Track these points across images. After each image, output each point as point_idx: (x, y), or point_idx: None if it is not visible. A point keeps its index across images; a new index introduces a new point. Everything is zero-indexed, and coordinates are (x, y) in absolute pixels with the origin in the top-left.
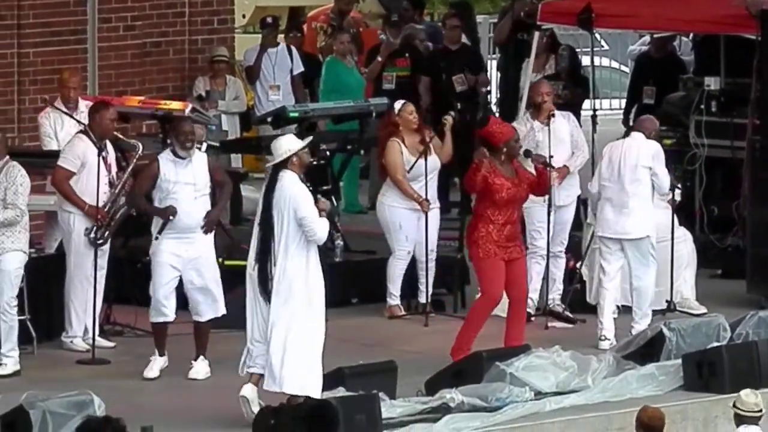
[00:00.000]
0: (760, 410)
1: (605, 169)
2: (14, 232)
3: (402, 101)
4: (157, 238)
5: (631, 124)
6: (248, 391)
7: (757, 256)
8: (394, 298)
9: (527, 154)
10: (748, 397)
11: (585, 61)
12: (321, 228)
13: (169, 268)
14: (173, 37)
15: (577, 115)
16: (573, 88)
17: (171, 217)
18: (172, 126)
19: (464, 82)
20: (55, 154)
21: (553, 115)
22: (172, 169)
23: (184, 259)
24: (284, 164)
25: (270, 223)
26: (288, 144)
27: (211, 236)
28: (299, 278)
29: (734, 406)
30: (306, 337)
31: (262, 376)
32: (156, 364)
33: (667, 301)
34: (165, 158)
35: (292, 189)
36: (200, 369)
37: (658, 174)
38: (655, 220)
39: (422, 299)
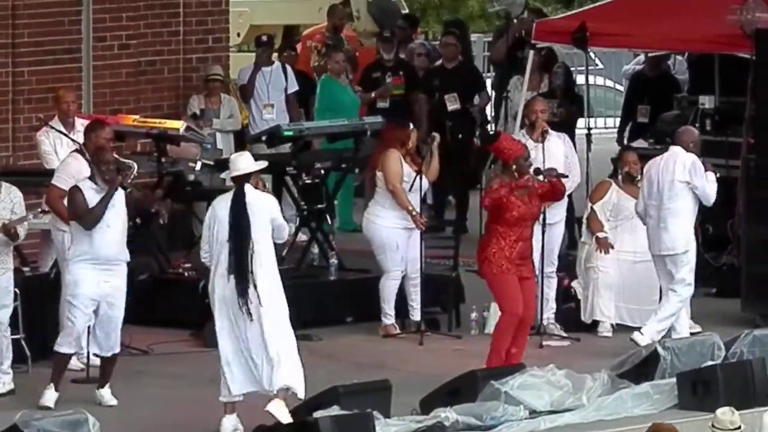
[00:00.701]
0: (738, 428)
1: (646, 188)
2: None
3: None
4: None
5: (625, 142)
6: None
7: (752, 275)
8: (389, 317)
9: (537, 172)
10: (724, 414)
11: (580, 79)
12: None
13: (90, 300)
14: (168, 55)
15: (572, 133)
16: (568, 106)
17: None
18: (93, 155)
19: (456, 101)
20: (50, 173)
21: (547, 132)
22: (95, 197)
23: (103, 291)
24: (247, 178)
25: (247, 234)
26: (249, 161)
27: (125, 270)
28: (277, 284)
29: (712, 425)
30: (293, 341)
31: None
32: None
33: None
34: (87, 187)
35: (265, 197)
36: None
37: (698, 187)
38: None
39: (415, 317)
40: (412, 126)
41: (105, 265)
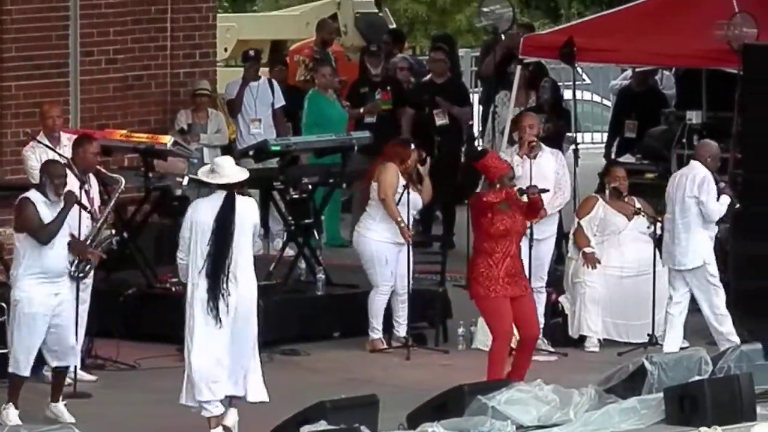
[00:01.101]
0: None
1: (667, 202)
2: None
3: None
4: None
5: (612, 157)
6: None
7: (740, 290)
8: (377, 332)
9: (521, 192)
10: None
11: (567, 95)
12: None
13: (43, 318)
14: (155, 70)
15: (560, 148)
16: (555, 121)
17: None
18: (44, 167)
19: (445, 116)
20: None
21: (538, 147)
22: (45, 210)
23: (53, 304)
24: (235, 186)
25: (230, 242)
26: (237, 169)
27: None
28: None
29: None
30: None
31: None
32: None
33: (648, 335)
34: (38, 200)
35: (249, 204)
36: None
37: (704, 202)
38: (643, 253)
39: (400, 332)
40: (413, 146)
41: (55, 279)
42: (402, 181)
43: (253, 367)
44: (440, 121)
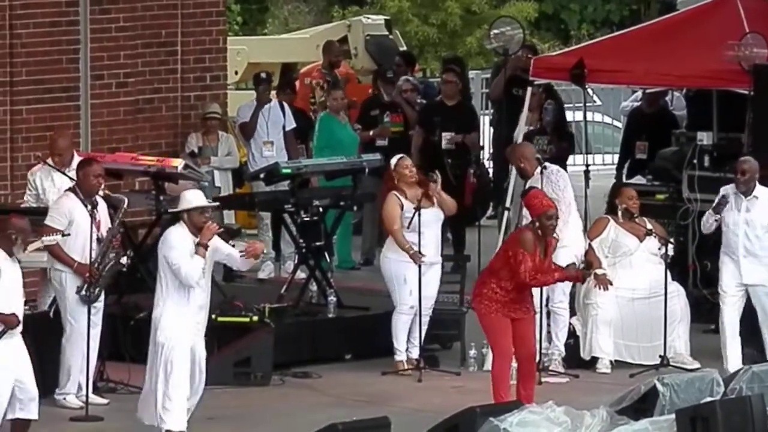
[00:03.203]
0: None
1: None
2: None
3: (398, 156)
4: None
5: (624, 179)
6: None
7: (751, 311)
8: (399, 353)
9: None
10: None
11: (578, 116)
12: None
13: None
14: (166, 93)
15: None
16: (558, 143)
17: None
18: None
19: (452, 140)
20: (47, 211)
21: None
22: (9, 265)
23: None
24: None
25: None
26: (191, 199)
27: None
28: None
29: None
30: None
31: None
32: None
33: (660, 356)
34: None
35: (167, 238)
36: None
37: None
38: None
39: (413, 354)
40: (396, 159)
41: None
42: (408, 205)
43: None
44: (448, 145)
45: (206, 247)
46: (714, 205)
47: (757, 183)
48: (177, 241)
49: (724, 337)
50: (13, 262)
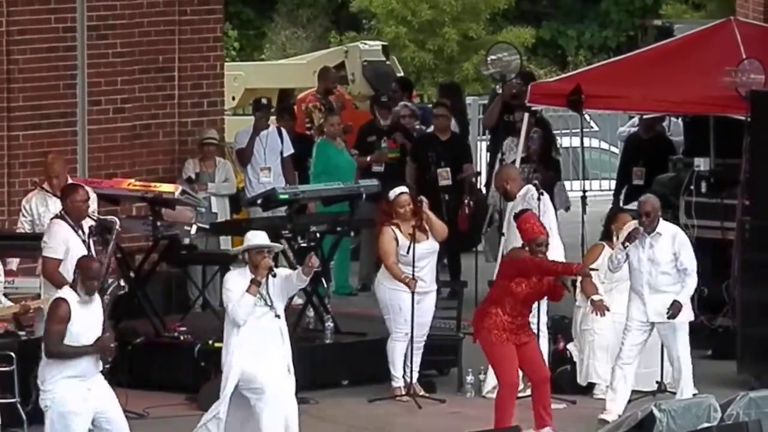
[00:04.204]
0: None
1: None
2: None
3: (398, 191)
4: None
5: (621, 204)
6: None
7: (748, 337)
8: (396, 379)
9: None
10: None
11: (575, 142)
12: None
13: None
14: (163, 119)
15: (551, 198)
16: (544, 171)
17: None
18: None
19: (449, 176)
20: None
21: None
22: (79, 310)
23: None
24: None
25: None
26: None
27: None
28: None
29: None
30: None
31: None
32: None
33: (657, 382)
34: (72, 299)
35: (225, 281)
36: None
37: None
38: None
39: (412, 379)
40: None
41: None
42: (403, 240)
43: None
44: (443, 181)
45: (258, 284)
46: (625, 236)
47: (660, 219)
48: (233, 284)
49: (618, 368)
50: (84, 304)
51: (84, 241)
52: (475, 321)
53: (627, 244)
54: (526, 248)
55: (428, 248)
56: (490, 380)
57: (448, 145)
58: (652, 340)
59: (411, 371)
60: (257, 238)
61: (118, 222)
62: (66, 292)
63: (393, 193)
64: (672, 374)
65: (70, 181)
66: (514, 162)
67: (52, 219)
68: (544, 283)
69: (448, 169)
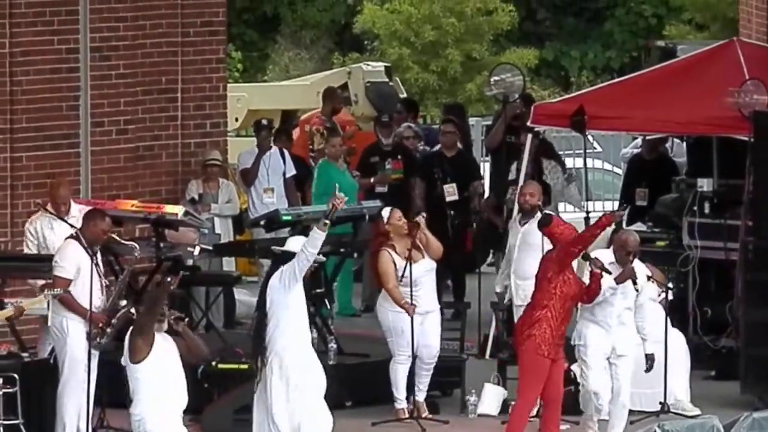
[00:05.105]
0: None
1: None
2: None
3: (389, 208)
4: None
5: (624, 225)
6: None
7: (751, 358)
8: (399, 401)
9: (585, 257)
10: None
11: (578, 163)
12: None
13: None
14: (166, 140)
15: None
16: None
17: None
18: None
19: (455, 192)
20: (50, 258)
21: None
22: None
23: None
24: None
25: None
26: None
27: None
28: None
29: None
30: None
31: None
32: None
33: (660, 403)
34: None
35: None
36: None
37: None
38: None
39: (419, 398)
40: (388, 212)
41: None
42: (400, 261)
43: None
44: (450, 197)
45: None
46: (623, 277)
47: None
48: None
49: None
50: (164, 337)
51: (97, 265)
52: (519, 326)
53: (620, 282)
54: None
55: (426, 267)
56: (485, 401)
57: (454, 162)
58: (657, 361)
59: (416, 391)
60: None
61: (138, 248)
62: None
63: (385, 212)
64: (674, 395)
65: (73, 203)
66: (513, 181)
67: (66, 239)
68: (579, 284)
69: (454, 184)
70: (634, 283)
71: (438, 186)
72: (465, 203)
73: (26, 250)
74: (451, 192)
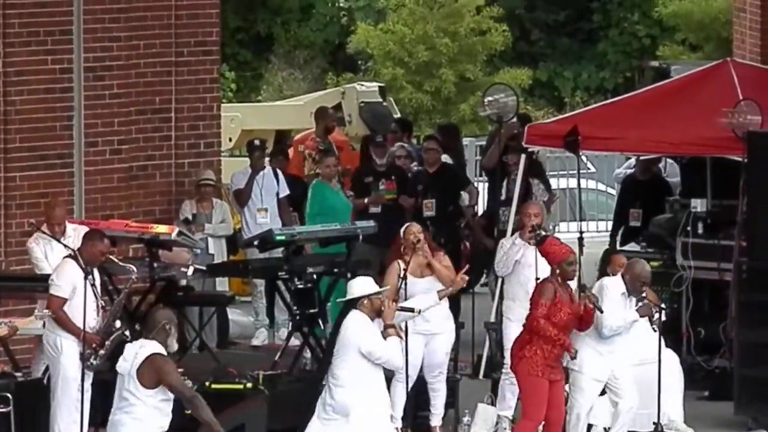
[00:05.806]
0: None
1: None
2: None
3: (408, 224)
4: None
5: (618, 246)
6: None
7: (745, 378)
8: (396, 421)
9: (582, 288)
10: None
11: (572, 183)
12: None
13: None
14: (160, 160)
15: None
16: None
17: None
18: None
19: (432, 208)
20: (44, 279)
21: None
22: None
23: None
24: (353, 303)
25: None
26: (360, 287)
27: None
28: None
29: None
30: None
31: None
32: None
33: (654, 423)
34: None
35: (354, 327)
36: None
37: None
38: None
39: (434, 422)
40: (405, 225)
41: None
42: (411, 277)
43: None
44: (427, 212)
45: (393, 326)
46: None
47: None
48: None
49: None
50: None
51: (92, 285)
52: (514, 349)
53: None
54: (557, 270)
55: (426, 286)
56: (478, 421)
57: (435, 178)
58: (651, 380)
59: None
60: (368, 285)
61: (135, 269)
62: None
63: (404, 227)
64: (668, 416)
65: (68, 224)
66: (505, 201)
67: (64, 258)
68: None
69: (433, 200)
70: (651, 321)
71: (418, 202)
72: (450, 219)
73: (42, 270)
74: (429, 207)
